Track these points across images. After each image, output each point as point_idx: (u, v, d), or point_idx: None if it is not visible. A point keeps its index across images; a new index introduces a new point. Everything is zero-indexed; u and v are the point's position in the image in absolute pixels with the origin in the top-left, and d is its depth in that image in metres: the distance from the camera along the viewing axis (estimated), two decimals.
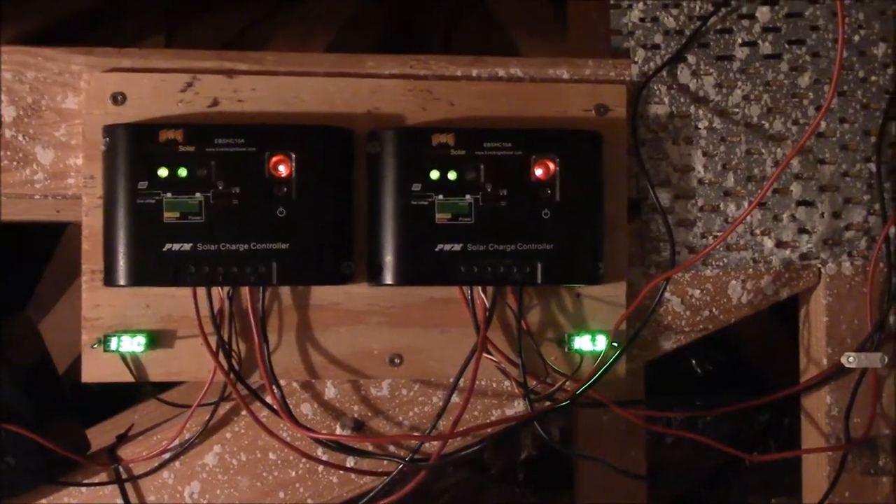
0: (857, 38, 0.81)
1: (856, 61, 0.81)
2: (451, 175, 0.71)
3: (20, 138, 0.74)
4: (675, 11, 0.80)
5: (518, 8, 1.28)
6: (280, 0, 1.37)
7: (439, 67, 0.77)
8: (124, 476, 0.77)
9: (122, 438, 0.79)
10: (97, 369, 0.73)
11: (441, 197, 0.71)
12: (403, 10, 1.48)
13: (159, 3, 1.31)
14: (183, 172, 0.69)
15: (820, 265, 0.81)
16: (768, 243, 0.80)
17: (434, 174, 0.71)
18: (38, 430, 0.74)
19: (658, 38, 0.80)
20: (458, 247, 0.71)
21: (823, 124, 0.80)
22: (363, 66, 0.76)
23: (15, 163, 0.74)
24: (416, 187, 0.71)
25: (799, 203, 0.80)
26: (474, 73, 0.77)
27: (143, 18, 1.30)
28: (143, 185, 0.69)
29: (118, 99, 0.72)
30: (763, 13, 0.80)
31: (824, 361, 0.82)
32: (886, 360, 0.79)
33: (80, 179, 0.73)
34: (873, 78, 0.81)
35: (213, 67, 0.74)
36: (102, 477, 0.78)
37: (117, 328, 0.73)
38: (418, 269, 0.72)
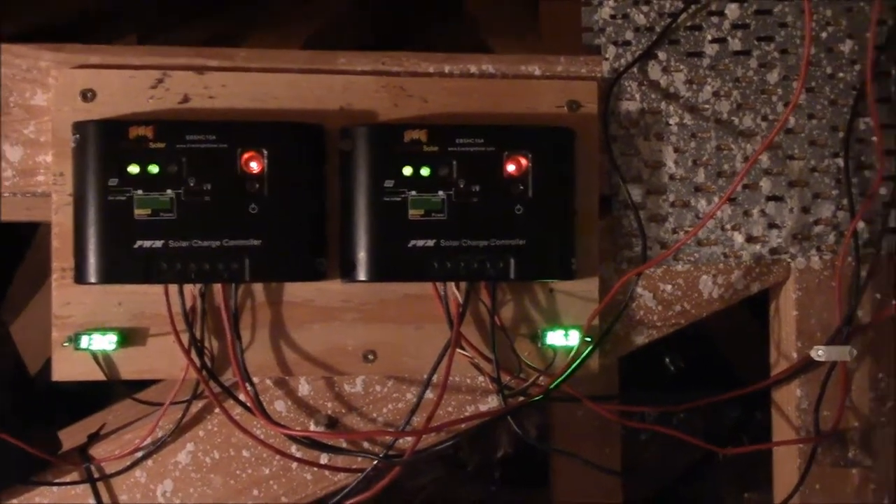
0: (824, 34, 0.82)
1: (823, 58, 0.82)
2: (424, 171, 0.71)
3: None
4: (645, 8, 0.80)
5: (492, 7, 1.29)
6: (257, 8, 1.36)
7: (411, 64, 0.77)
8: (96, 475, 0.77)
9: (94, 438, 0.79)
10: (68, 368, 0.72)
11: (414, 193, 0.71)
12: (388, 13, 1.48)
13: (147, 7, 1.30)
14: (154, 169, 0.69)
15: (789, 259, 0.82)
16: (738, 238, 0.81)
17: (407, 170, 0.71)
18: (9, 431, 0.74)
19: (629, 35, 0.80)
20: (431, 243, 0.71)
21: (792, 120, 0.81)
22: (335, 62, 0.76)
23: None
24: (389, 184, 0.71)
25: (769, 198, 0.81)
26: (447, 69, 0.77)
27: (132, 22, 1.29)
28: (113, 181, 0.69)
29: (87, 95, 0.72)
30: (732, 10, 0.81)
31: (794, 355, 0.82)
32: (855, 353, 0.80)
33: (49, 177, 0.73)
34: (841, 74, 0.82)
35: (183, 64, 0.74)
36: (74, 476, 0.77)
37: (88, 326, 0.72)
38: (391, 266, 0.72)
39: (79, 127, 0.70)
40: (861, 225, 0.81)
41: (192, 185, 0.69)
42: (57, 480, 0.77)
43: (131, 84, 0.72)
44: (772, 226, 0.81)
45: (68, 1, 1.14)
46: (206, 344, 0.73)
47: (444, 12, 1.43)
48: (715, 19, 0.81)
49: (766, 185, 0.81)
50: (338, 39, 1.31)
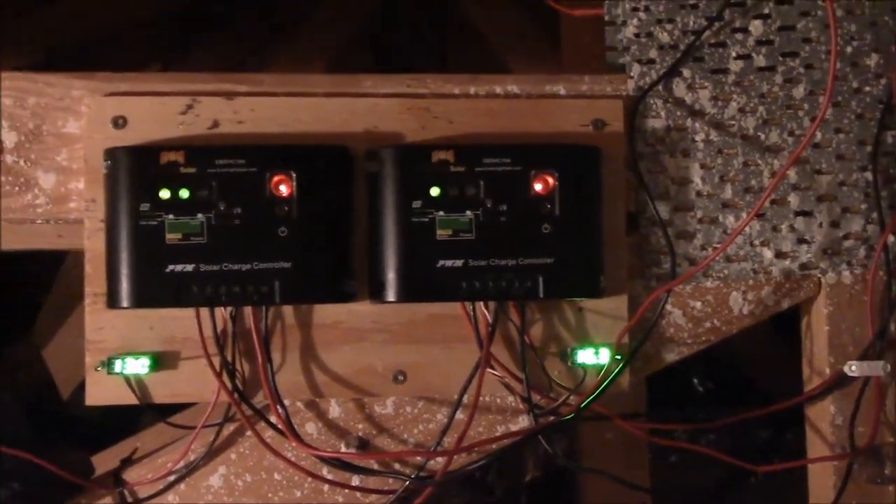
0: (849, 49, 0.82)
1: (849, 72, 0.82)
2: (452, 191, 0.72)
3: (21, 163, 0.74)
4: (669, 26, 0.81)
5: (507, 28, 1.30)
6: (271, 38, 1.38)
7: (436, 86, 0.77)
8: (129, 499, 0.77)
9: (127, 462, 0.79)
10: (101, 392, 0.73)
11: (441, 213, 0.72)
12: (393, 40, 1.49)
13: (156, 36, 1.32)
14: (185, 194, 0.70)
15: (820, 275, 0.81)
16: (768, 254, 0.80)
17: (434, 191, 0.71)
18: (42, 455, 0.74)
19: (653, 53, 0.80)
20: (459, 262, 0.72)
21: (819, 135, 0.81)
22: (360, 85, 0.77)
23: (16, 188, 0.74)
24: (417, 204, 0.71)
25: (797, 213, 0.81)
26: (472, 90, 0.78)
27: (139, 51, 1.31)
28: (144, 206, 0.69)
29: (119, 122, 0.73)
30: (756, 26, 0.81)
31: (827, 371, 0.82)
32: (889, 367, 0.79)
33: (81, 203, 0.74)
34: (867, 88, 0.82)
35: (212, 90, 0.75)
36: (107, 501, 0.77)
37: (121, 350, 0.73)
38: (420, 286, 0.72)
39: (111, 153, 0.71)
40: (891, 239, 0.81)
41: (222, 208, 0.70)
42: None
43: (161, 110, 0.73)
44: (801, 241, 0.81)
45: (65, 33, 1.16)
46: (238, 367, 0.73)
47: (452, 30, 1.45)
48: (739, 36, 0.81)
49: (794, 200, 0.81)
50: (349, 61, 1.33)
